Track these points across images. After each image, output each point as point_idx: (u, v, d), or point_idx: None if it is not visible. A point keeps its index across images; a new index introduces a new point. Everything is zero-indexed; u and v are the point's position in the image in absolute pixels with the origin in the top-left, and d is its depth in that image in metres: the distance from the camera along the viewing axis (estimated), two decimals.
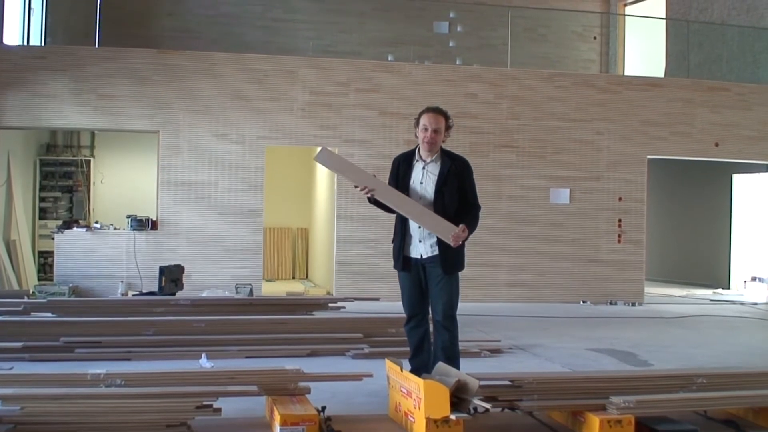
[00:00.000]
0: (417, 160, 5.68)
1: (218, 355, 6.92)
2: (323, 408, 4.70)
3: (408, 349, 5.83)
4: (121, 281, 11.48)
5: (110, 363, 6.42)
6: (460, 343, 5.72)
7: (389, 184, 5.67)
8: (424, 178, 5.60)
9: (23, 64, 11.59)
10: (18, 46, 12.44)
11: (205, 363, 6.57)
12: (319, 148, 6.21)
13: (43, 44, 13.12)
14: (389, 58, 14.13)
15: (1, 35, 12.01)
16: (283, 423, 4.44)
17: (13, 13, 12.61)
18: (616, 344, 8.60)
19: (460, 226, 5.39)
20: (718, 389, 5.16)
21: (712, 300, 13.79)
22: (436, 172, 5.59)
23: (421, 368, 5.49)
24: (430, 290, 5.60)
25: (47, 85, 11.57)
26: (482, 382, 4.66)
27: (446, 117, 5.66)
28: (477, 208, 5.65)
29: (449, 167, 5.59)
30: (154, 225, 11.79)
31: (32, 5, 13.01)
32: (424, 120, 5.61)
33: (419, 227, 5.53)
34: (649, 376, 5.44)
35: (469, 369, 5.28)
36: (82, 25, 13.08)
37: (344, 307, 8.78)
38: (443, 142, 5.68)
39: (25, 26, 12.86)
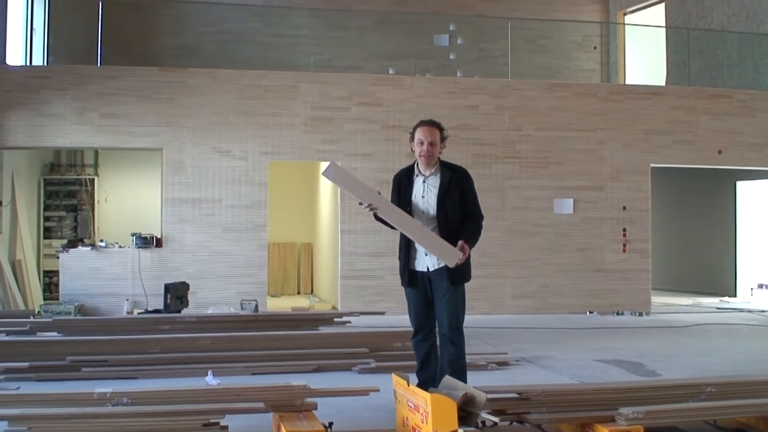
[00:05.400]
0: (417, 175, 5.69)
1: (224, 372, 6.90)
2: (330, 424, 4.68)
3: (414, 362, 5.81)
4: (127, 299, 11.48)
5: (117, 381, 6.41)
6: (466, 356, 5.70)
7: (392, 200, 5.68)
8: (426, 191, 5.61)
9: (26, 84, 11.63)
10: (20, 66, 12.50)
11: (211, 380, 6.56)
12: (323, 163, 6.22)
13: (45, 64, 13.18)
14: (390, 72, 14.15)
15: (3, 55, 12.07)
16: None
17: (15, 34, 12.67)
18: (623, 355, 8.57)
19: (459, 244, 5.38)
20: (727, 398, 5.14)
21: (719, 308, 13.74)
22: (437, 184, 5.60)
23: (428, 382, 5.47)
24: (435, 303, 5.59)
25: (50, 105, 11.61)
26: (490, 395, 4.65)
27: (440, 129, 5.68)
28: (479, 217, 5.66)
29: (449, 178, 5.60)
30: (159, 242, 11.80)
31: (34, 25, 13.08)
32: (419, 134, 5.63)
33: None
34: (658, 386, 5.41)
35: (477, 382, 5.27)
36: (84, 45, 13.13)
37: (350, 322, 8.77)
38: (440, 153, 5.69)
39: (27, 46, 12.93)
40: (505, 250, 12.54)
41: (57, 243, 13.27)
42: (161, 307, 9.63)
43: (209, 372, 6.70)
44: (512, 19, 14.92)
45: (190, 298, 9.99)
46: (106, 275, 11.63)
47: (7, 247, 12.11)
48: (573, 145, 12.90)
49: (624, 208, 12.96)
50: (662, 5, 16.99)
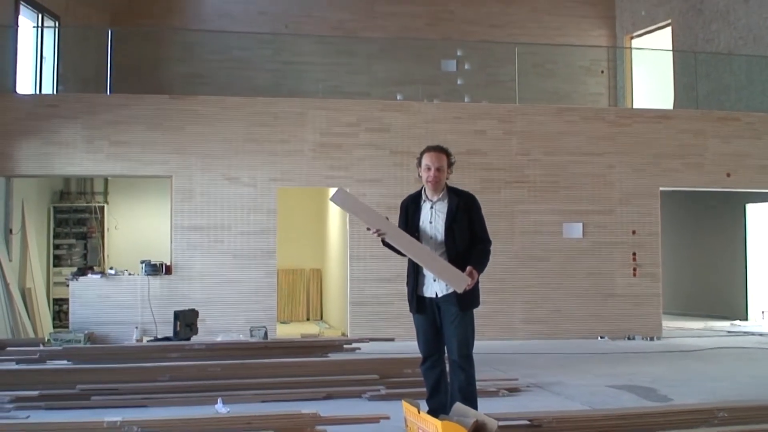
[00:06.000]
0: (424, 201, 5.70)
1: (234, 400, 6.88)
2: None
3: (425, 389, 5.78)
4: (136, 327, 11.48)
5: (127, 410, 6.40)
6: (477, 383, 5.67)
7: (399, 226, 5.67)
8: (434, 217, 5.62)
9: (36, 113, 11.72)
10: (30, 94, 12.61)
11: (221, 408, 6.54)
12: (331, 189, 6.24)
13: (55, 92, 13.28)
14: (398, 98, 14.22)
15: (14, 84, 12.18)
16: None
17: (25, 62, 12.78)
18: (635, 380, 8.51)
19: (467, 269, 5.37)
20: (740, 423, 5.10)
21: (730, 332, 13.65)
22: (444, 210, 5.61)
23: (438, 409, 5.44)
24: (444, 329, 5.57)
25: (60, 133, 11.68)
26: (501, 423, 4.61)
27: (448, 154, 5.70)
28: (487, 242, 5.65)
29: (456, 204, 5.61)
30: (168, 270, 11.81)
31: (44, 54, 13.19)
32: (426, 159, 5.65)
33: None
34: (670, 412, 5.37)
35: (487, 409, 5.24)
36: (94, 73, 13.25)
37: (359, 349, 8.75)
38: (447, 179, 5.70)
39: (37, 75, 13.03)
40: (515, 275, 12.50)
41: (67, 271, 13.28)
42: (171, 334, 9.65)
43: (219, 400, 6.69)
44: (519, 44, 15.00)
45: (199, 325, 10.00)
46: (116, 303, 11.65)
47: (17, 274, 12.14)
48: (582, 169, 12.89)
49: (634, 232, 12.91)
50: (669, 29, 17.03)
